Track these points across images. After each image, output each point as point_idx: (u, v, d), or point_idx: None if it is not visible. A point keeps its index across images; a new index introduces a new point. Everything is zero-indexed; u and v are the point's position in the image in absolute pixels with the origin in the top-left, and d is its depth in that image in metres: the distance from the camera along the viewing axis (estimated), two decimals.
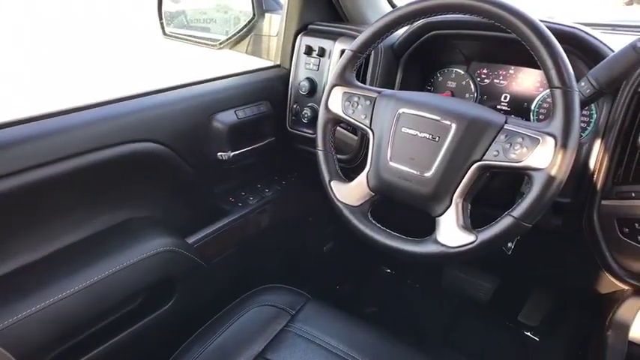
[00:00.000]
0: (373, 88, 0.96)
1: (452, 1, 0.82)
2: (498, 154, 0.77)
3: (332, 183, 0.94)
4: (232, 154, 1.15)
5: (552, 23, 0.94)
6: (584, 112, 1.01)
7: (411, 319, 1.64)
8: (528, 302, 1.47)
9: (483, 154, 0.79)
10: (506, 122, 0.79)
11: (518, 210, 0.74)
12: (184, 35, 1.52)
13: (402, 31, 1.11)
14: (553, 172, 0.72)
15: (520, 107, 1.10)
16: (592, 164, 0.93)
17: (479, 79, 1.15)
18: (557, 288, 1.44)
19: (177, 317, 1.07)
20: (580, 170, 0.95)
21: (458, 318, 1.62)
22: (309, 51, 1.24)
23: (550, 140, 0.73)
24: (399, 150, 0.86)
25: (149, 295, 1.02)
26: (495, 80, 1.13)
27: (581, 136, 1.00)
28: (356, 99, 0.93)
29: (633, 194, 0.87)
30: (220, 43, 1.43)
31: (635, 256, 0.90)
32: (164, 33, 1.48)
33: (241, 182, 1.30)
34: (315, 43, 1.24)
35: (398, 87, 1.18)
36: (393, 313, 1.67)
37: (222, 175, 1.22)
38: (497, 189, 0.92)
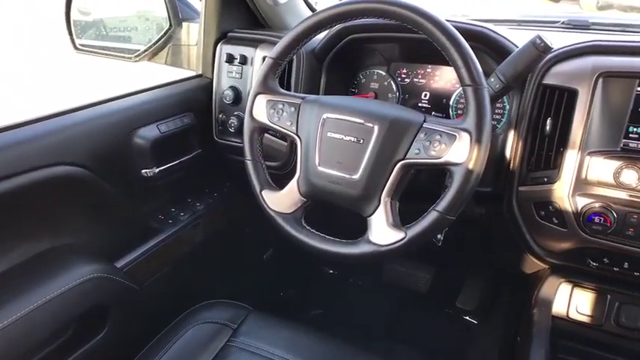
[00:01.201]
0: (297, 94, 0.96)
1: (365, 6, 0.84)
2: (420, 152, 0.80)
3: (263, 192, 0.93)
4: (158, 169, 1.11)
5: (461, 23, 0.98)
6: (498, 105, 1.07)
7: (356, 317, 1.67)
8: (464, 288, 1.54)
9: (406, 153, 0.81)
10: (424, 121, 0.82)
11: (442, 204, 0.77)
12: (99, 48, 1.44)
13: (322, 36, 1.12)
14: (471, 166, 0.76)
15: (440, 104, 1.14)
16: (508, 154, 0.99)
17: (399, 78, 1.19)
18: (488, 272, 1.52)
19: (113, 346, 1.02)
20: (498, 160, 1.01)
21: (400, 310, 1.66)
22: (230, 59, 1.22)
23: (465, 136, 0.76)
24: (326, 154, 0.87)
25: (80, 326, 0.96)
26: (415, 79, 1.17)
27: (497, 127, 1.06)
28: (280, 106, 0.92)
29: (545, 179, 0.93)
30: (137, 56, 1.38)
31: (551, 236, 0.97)
32: (75, 47, 1.39)
33: (170, 198, 1.26)
34: (236, 50, 1.22)
35: (323, 91, 1.19)
36: (339, 313, 1.69)
37: (148, 192, 1.17)
38: (423, 184, 0.96)
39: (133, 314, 1.09)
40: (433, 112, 1.15)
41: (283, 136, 1.16)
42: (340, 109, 0.88)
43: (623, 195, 0.87)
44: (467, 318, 1.56)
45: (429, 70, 1.15)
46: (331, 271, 1.79)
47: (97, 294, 0.98)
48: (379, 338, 1.59)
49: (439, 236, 1.00)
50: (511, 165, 0.98)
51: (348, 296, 1.74)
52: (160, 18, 1.39)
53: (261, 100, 0.94)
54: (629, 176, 0.85)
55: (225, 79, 1.24)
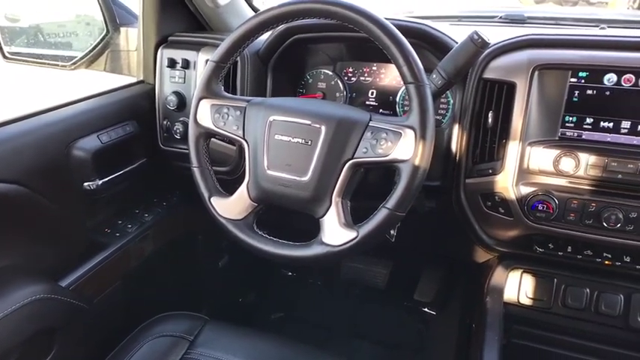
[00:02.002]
0: (241, 97, 0.94)
1: (306, 6, 0.83)
2: (367, 151, 0.80)
3: (212, 199, 0.91)
4: (101, 182, 1.06)
5: (401, 21, 1.00)
6: (443, 100, 1.09)
7: (317, 318, 1.67)
8: (421, 280, 1.57)
9: (354, 153, 0.81)
10: (370, 120, 0.82)
11: (391, 201, 0.78)
12: (32, 56, 1.37)
13: (265, 37, 1.11)
14: (417, 162, 0.77)
15: (387, 101, 1.15)
16: (454, 148, 1.01)
17: (346, 77, 1.19)
18: (444, 263, 1.55)
19: None
20: (444, 154, 1.03)
21: (360, 307, 1.67)
22: (172, 64, 1.19)
23: (410, 133, 0.77)
24: (275, 158, 0.86)
25: (24, 352, 0.91)
26: (361, 78, 1.18)
27: (442, 122, 1.09)
28: (225, 110, 0.90)
29: (490, 171, 0.95)
30: (73, 63, 1.31)
31: (499, 225, 1.00)
32: (4, 55, 1.31)
33: (117, 211, 1.21)
34: (178, 55, 1.19)
35: (270, 93, 1.17)
36: (300, 315, 1.68)
37: (92, 206, 1.12)
38: (374, 182, 0.96)
39: (83, 334, 1.04)
40: (381, 110, 1.16)
41: (231, 141, 1.14)
42: (287, 110, 0.87)
43: (562, 182, 0.91)
44: (426, 310, 1.59)
45: (374, 68, 1.16)
46: (290, 273, 1.78)
47: (42, 316, 0.93)
48: (341, 337, 1.60)
49: (392, 232, 1.01)
50: (457, 158, 1.00)
51: (308, 297, 1.74)
52: (101, 22, 1.34)
53: (205, 105, 0.91)
54: (567, 164, 0.88)
55: (167, 85, 1.21)
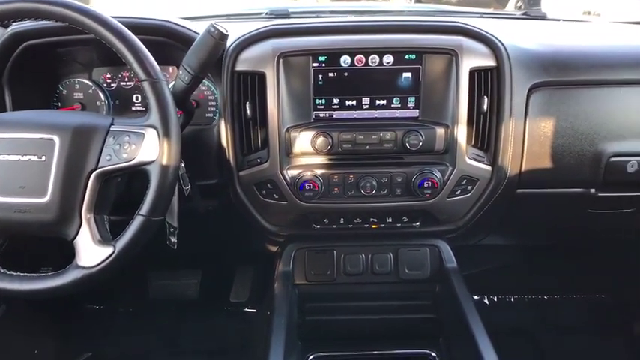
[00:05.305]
0: None
1: (14, 7, 0.74)
2: (111, 158, 0.75)
3: None
4: None
5: (141, 18, 0.95)
6: (211, 97, 1.08)
7: (131, 348, 1.53)
8: (235, 281, 1.55)
9: (98, 162, 0.75)
10: (112, 124, 0.77)
11: (145, 207, 0.74)
12: None
13: None
14: (165, 162, 0.74)
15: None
16: (224, 143, 1.00)
17: (105, 84, 1.10)
18: (252, 259, 1.56)
19: None
20: (217, 151, 1.02)
21: (179, 323, 1.59)
22: None
23: (152, 132, 0.74)
24: (4, 182, 0.74)
25: None
26: (122, 83, 1.10)
27: (214, 119, 1.07)
28: None
29: (259, 160, 0.97)
30: None
31: (277, 211, 1.03)
32: None
33: None
34: None
35: (11, 109, 1.02)
36: (112, 350, 1.52)
37: None
38: (138, 189, 0.90)
39: None
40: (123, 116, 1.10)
41: None
42: (11, 126, 0.76)
43: (322, 160, 0.97)
44: (246, 309, 1.58)
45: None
46: (97, 307, 1.60)
47: None
48: (162, 357, 1.50)
49: (173, 239, 0.97)
50: (228, 153, 0.99)
51: (118, 328, 1.59)
52: None
53: None
54: (322, 143, 0.94)
55: None
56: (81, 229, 0.75)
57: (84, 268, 0.74)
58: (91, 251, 0.74)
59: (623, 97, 1.00)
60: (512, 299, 1.63)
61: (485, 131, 0.98)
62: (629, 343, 1.52)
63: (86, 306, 1.61)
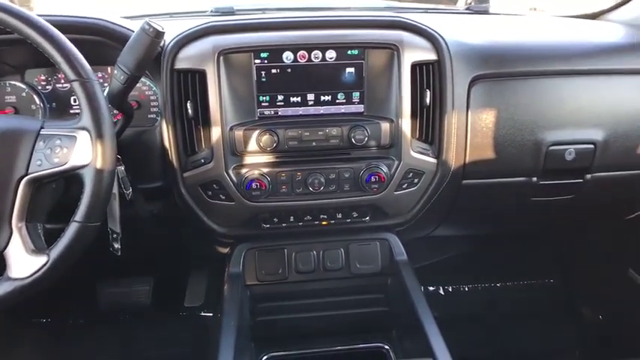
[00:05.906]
0: None
1: None
2: (42, 163, 0.71)
3: None
4: None
5: (71, 17, 0.91)
6: (152, 97, 1.04)
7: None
8: (189, 286, 1.52)
9: (27, 167, 0.72)
10: (42, 127, 0.73)
11: (80, 213, 0.71)
12: None
13: None
14: (99, 165, 0.71)
15: None
16: (167, 144, 0.97)
17: (40, 87, 1.05)
18: (205, 262, 1.53)
19: None
20: (160, 153, 0.99)
21: (131, 332, 1.54)
22: None
23: (84, 134, 0.71)
24: None
25: None
26: (58, 85, 1.05)
27: (157, 120, 1.04)
28: None
29: (203, 160, 0.95)
30: None
31: (224, 212, 1.00)
32: None
33: None
34: None
35: None
36: None
37: None
38: (77, 195, 0.86)
39: None
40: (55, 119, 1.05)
41: None
42: None
43: (268, 158, 0.96)
44: (202, 314, 1.55)
45: None
46: (44, 320, 1.53)
47: None
48: None
49: (116, 245, 0.94)
50: (172, 154, 0.97)
51: (67, 342, 1.52)
52: None
53: None
54: (268, 141, 0.93)
55: None
56: (11, 239, 0.71)
57: (15, 279, 0.70)
58: (22, 262, 0.70)
59: (560, 88, 1.04)
60: (467, 288, 1.67)
61: (429, 124, 1.00)
62: (579, 324, 1.59)
63: (32, 320, 1.53)
